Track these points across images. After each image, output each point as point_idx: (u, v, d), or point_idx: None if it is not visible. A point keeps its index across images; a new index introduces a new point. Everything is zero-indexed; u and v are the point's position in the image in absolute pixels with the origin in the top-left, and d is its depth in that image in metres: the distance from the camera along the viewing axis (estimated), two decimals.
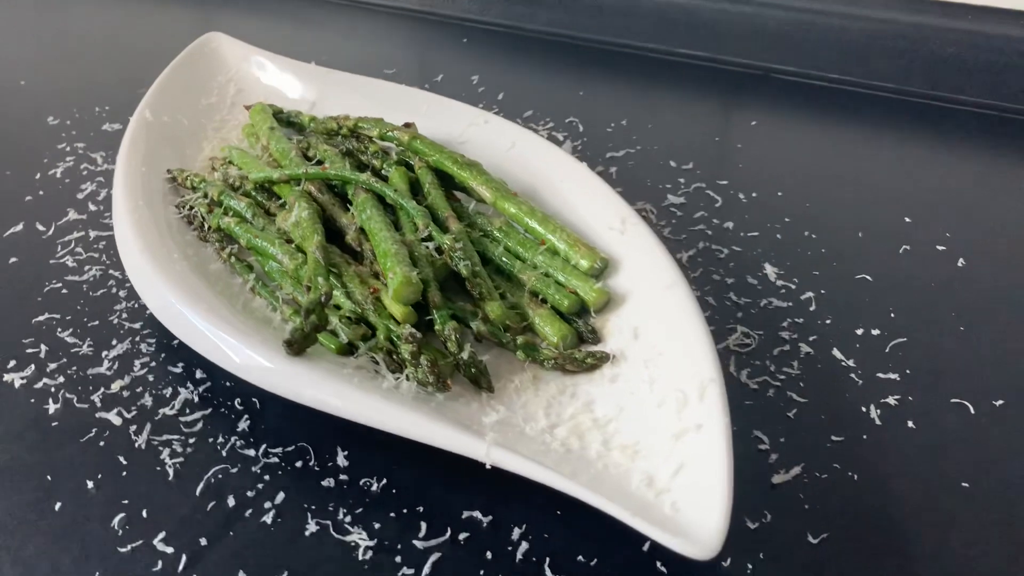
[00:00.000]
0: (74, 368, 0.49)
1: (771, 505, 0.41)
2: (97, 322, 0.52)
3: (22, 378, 0.48)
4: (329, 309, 0.46)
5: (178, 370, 0.49)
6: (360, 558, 0.39)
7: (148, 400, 0.47)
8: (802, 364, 0.48)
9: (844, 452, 0.43)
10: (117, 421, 0.46)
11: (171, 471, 0.43)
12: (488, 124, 0.63)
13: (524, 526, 0.40)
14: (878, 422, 0.45)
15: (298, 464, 0.43)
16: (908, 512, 0.40)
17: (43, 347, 0.50)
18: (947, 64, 0.74)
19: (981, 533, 0.39)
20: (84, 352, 0.50)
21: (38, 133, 0.73)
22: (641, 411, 0.42)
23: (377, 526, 0.40)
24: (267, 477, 0.43)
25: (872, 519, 0.40)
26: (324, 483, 0.42)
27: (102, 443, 0.45)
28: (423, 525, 0.40)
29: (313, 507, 0.41)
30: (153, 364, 0.49)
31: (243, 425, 0.45)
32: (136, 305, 0.53)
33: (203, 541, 0.40)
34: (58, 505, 0.42)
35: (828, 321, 0.51)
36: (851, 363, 0.48)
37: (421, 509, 0.41)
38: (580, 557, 0.39)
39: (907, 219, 0.60)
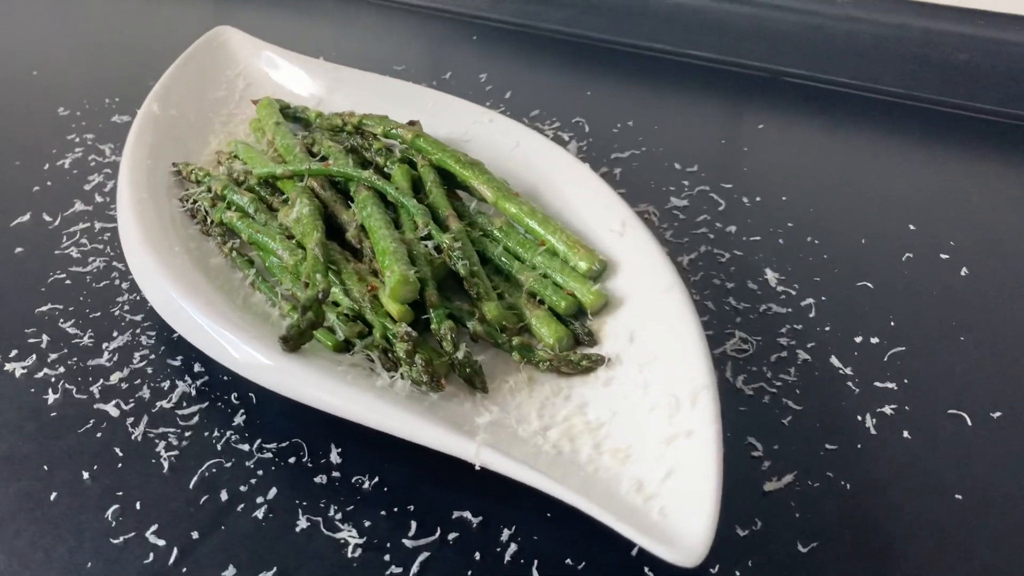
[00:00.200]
0: (74, 359, 0.49)
1: (762, 513, 0.41)
2: (99, 313, 0.53)
3: (23, 367, 0.49)
4: (327, 306, 0.46)
5: (177, 363, 0.49)
6: (349, 555, 0.39)
7: (146, 392, 0.47)
8: (799, 371, 0.48)
9: (838, 461, 0.43)
10: (115, 413, 0.46)
11: (166, 464, 0.43)
12: (493, 123, 0.63)
13: (514, 528, 0.40)
14: (873, 431, 0.45)
15: (291, 460, 0.43)
16: (900, 523, 0.40)
17: (45, 337, 0.51)
18: (959, 70, 0.74)
19: (974, 547, 0.39)
20: (85, 343, 0.50)
21: (48, 124, 0.73)
22: (634, 415, 0.42)
23: (367, 524, 0.40)
24: (260, 472, 0.43)
25: (863, 529, 0.40)
26: (316, 480, 0.42)
27: (99, 434, 0.45)
28: (413, 524, 0.40)
29: (305, 503, 0.41)
30: (152, 357, 0.50)
31: (239, 420, 0.45)
32: (138, 297, 0.53)
33: (195, 535, 0.40)
34: (54, 495, 0.42)
35: (827, 328, 0.51)
36: (848, 371, 0.48)
37: (412, 508, 0.41)
38: (568, 560, 0.39)
39: (911, 226, 0.60)
